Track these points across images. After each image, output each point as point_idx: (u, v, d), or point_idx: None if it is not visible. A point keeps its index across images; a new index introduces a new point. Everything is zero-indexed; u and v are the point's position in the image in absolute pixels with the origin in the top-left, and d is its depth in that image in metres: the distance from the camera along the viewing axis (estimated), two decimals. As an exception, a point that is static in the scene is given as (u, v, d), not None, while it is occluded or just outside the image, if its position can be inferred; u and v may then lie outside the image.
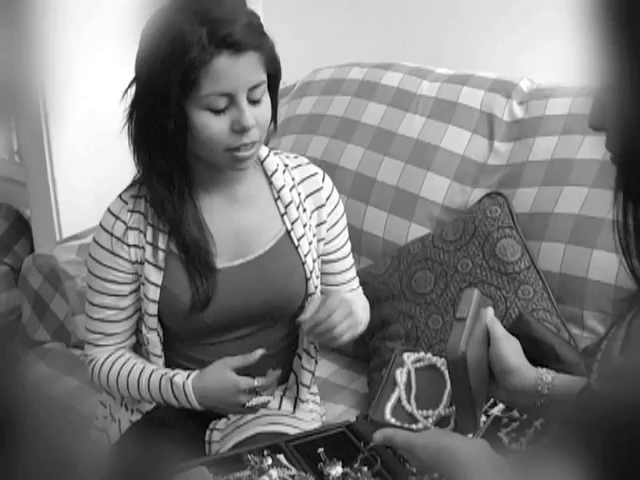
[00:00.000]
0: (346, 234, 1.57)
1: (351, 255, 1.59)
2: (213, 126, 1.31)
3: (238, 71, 1.29)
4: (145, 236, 1.42)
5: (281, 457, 1.30)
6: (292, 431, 1.49)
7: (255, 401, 1.42)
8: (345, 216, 1.57)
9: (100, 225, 1.45)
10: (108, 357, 1.50)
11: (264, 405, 1.44)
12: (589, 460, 0.71)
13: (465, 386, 1.02)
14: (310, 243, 1.49)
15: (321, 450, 1.33)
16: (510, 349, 1.11)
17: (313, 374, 1.60)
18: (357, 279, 1.61)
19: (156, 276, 1.42)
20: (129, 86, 1.37)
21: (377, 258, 1.95)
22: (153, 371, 1.46)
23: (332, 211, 1.53)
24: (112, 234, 1.42)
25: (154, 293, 1.42)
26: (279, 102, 2.27)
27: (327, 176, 1.55)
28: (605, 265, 1.64)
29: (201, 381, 1.42)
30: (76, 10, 2.02)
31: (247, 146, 1.34)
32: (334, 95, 2.15)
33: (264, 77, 1.34)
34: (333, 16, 2.47)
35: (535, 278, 1.71)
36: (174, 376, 1.43)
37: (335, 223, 1.53)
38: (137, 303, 1.48)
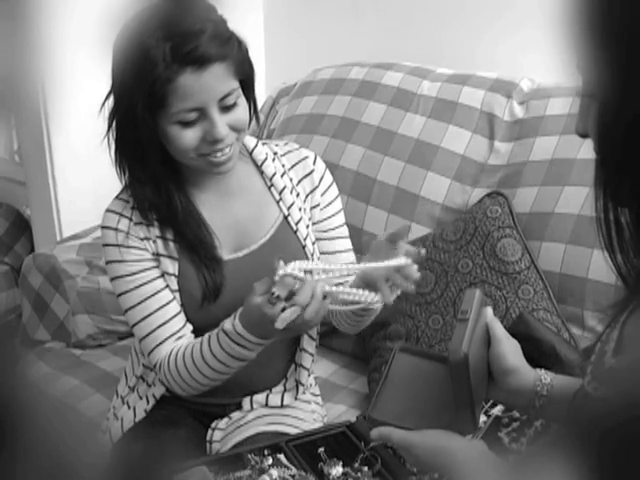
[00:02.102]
0: (342, 217, 1.56)
1: (349, 240, 1.57)
2: (184, 137, 1.31)
3: (204, 85, 1.27)
4: (154, 230, 1.42)
5: (281, 457, 1.30)
6: (293, 431, 1.50)
7: (282, 319, 1.24)
8: (340, 199, 1.55)
9: (104, 227, 1.43)
10: (170, 354, 1.42)
11: (296, 318, 1.25)
12: (584, 461, 0.71)
13: (466, 387, 1.02)
14: (307, 226, 1.50)
15: (321, 450, 1.33)
16: (510, 349, 1.11)
17: (314, 360, 1.61)
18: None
19: (173, 267, 1.42)
20: (106, 98, 1.36)
21: (377, 258, 1.94)
22: (209, 339, 1.37)
23: (325, 191, 1.53)
24: (118, 229, 1.41)
25: (175, 283, 1.42)
26: (279, 102, 2.30)
27: (319, 158, 1.54)
28: (605, 265, 1.63)
29: (244, 314, 1.31)
30: (77, 10, 2.01)
31: (222, 150, 1.34)
32: (334, 95, 2.15)
33: (234, 85, 1.32)
34: (333, 16, 2.47)
35: (535, 278, 1.71)
36: (224, 326, 1.34)
37: (329, 203, 1.53)
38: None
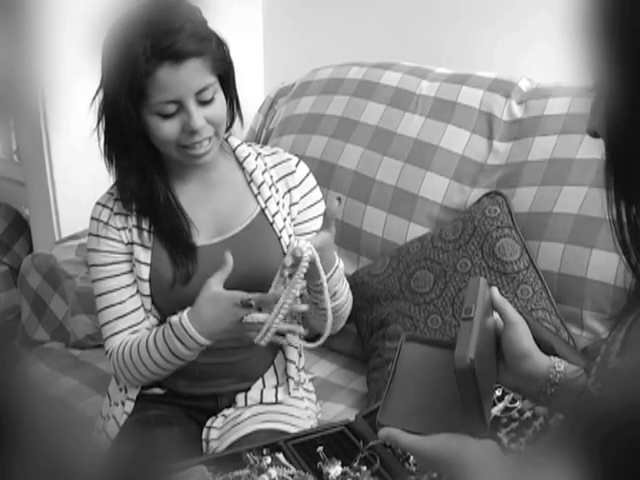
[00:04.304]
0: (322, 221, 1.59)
1: None
2: (164, 128, 1.40)
3: (181, 79, 1.36)
4: (131, 219, 1.50)
5: (280, 456, 1.30)
6: (289, 428, 1.50)
7: (252, 317, 1.39)
8: (322, 203, 1.60)
9: (91, 218, 1.54)
10: (121, 343, 1.51)
11: (263, 327, 1.39)
12: (588, 464, 0.71)
13: (474, 392, 0.99)
14: (284, 220, 1.55)
15: (320, 449, 1.33)
16: (525, 333, 1.08)
17: (300, 353, 1.63)
18: None
19: (145, 255, 1.50)
20: (97, 91, 1.44)
21: (376, 258, 1.95)
22: (157, 331, 1.47)
23: (306, 194, 1.58)
24: (99, 220, 1.52)
25: (145, 272, 1.50)
26: (278, 102, 2.31)
27: (302, 163, 1.61)
28: (604, 265, 1.64)
29: (194, 309, 1.42)
30: (76, 11, 2.01)
31: (200, 143, 1.42)
32: (333, 95, 2.15)
33: (210, 80, 1.40)
34: (332, 16, 2.47)
35: (534, 278, 1.71)
36: (170, 319, 1.45)
37: (309, 206, 1.58)
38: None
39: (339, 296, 1.52)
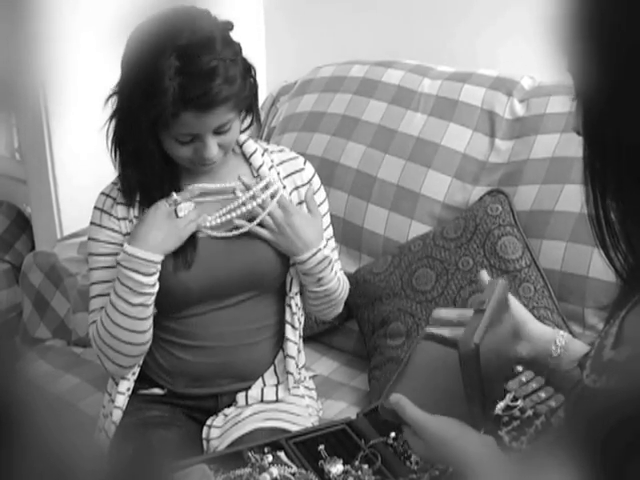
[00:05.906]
0: (327, 219, 1.62)
1: (332, 241, 1.63)
2: (179, 151, 1.42)
3: (205, 122, 1.37)
4: (133, 210, 1.50)
5: (281, 454, 1.30)
6: (290, 426, 1.50)
7: (183, 208, 1.45)
8: (327, 204, 1.62)
9: (94, 207, 1.54)
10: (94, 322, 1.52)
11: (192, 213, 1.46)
12: (586, 456, 0.71)
13: (476, 379, 0.98)
14: None
15: (322, 447, 1.33)
16: (518, 304, 1.18)
17: (299, 349, 1.63)
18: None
19: None
20: (112, 94, 1.42)
21: (378, 256, 1.95)
22: (113, 286, 1.47)
23: (314, 193, 1.58)
24: (102, 210, 1.52)
25: None
26: (279, 100, 2.31)
27: (309, 163, 1.61)
28: (606, 263, 1.64)
29: (131, 236, 1.45)
30: (80, 8, 2.01)
31: (210, 165, 1.45)
32: (335, 93, 2.14)
33: (232, 116, 1.40)
34: (334, 14, 2.47)
35: (536, 276, 1.71)
36: (116, 258, 1.45)
37: (317, 205, 1.58)
38: None
39: (326, 282, 1.54)
